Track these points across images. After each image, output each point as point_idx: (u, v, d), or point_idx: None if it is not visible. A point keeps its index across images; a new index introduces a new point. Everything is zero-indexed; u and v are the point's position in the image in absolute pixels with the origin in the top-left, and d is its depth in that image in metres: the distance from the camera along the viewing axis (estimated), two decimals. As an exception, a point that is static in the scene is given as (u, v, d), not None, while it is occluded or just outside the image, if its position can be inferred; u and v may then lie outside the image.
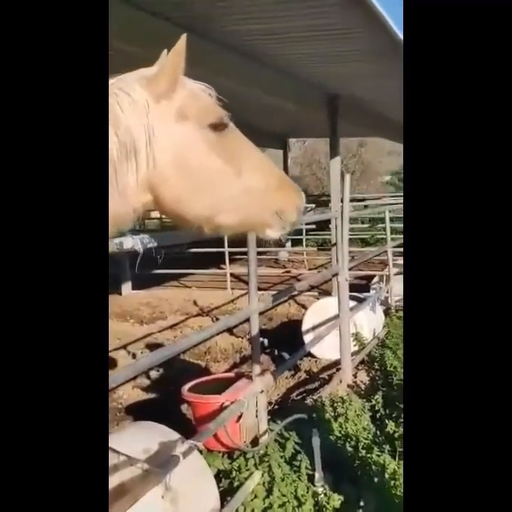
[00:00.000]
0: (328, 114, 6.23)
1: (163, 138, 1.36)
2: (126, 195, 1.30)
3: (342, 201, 5.41)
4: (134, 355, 6.42)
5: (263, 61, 4.70)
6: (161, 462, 2.51)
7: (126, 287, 10.27)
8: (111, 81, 1.35)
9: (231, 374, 4.28)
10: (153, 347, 6.35)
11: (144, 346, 6.82)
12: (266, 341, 6.40)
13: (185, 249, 10.95)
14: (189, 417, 4.03)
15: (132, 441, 2.69)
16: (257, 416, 3.51)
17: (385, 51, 4.36)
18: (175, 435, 2.84)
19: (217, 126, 1.44)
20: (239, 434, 3.44)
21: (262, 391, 3.53)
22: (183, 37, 1.35)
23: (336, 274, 5.39)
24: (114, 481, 2.37)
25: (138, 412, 4.79)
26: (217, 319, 7.72)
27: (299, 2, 3.35)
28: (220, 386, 3.83)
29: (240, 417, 3.38)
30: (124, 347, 6.71)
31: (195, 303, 8.92)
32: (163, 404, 4.90)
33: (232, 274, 10.18)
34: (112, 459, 2.48)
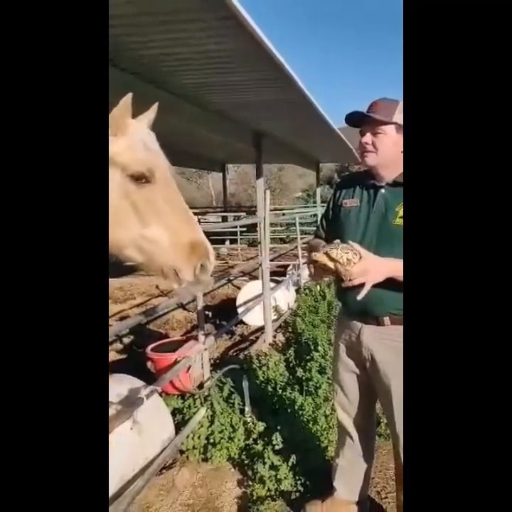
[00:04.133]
0: (255, 147, 6.25)
1: None
2: None
3: (264, 210, 5.45)
4: (109, 326, 6.27)
5: (206, 106, 4.67)
6: (130, 403, 2.48)
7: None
8: None
9: (183, 337, 4.26)
10: (124, 319, 6.23)
11: (118, 319, 6.66)
12: (210, 314, 6.38)
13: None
14: (152, 371, 3.98)
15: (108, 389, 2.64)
16: (202, 367, 3.51)
17: (293, 100, 4.41)
18: (140, 383, 2.81)
19: (138, 179, 1.27)
20: (188, 381, 3.44)
21: (206, 349, 3.53)
22: (128, 96, 1.22)
23: (261, 264, 5.45)
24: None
25: (114, 368, 4.67)
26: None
27: (236, 61, 3.34)
28: (175, 346, 3.82)
29: (189, 368, 3.37)
30: (103, 320, 6.55)
31: (157, 287, 8.77)
32: (132, 361, 4.81)
33: (185, 265, 10.07)
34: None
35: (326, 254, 1.61)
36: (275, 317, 5.77)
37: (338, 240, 1.69)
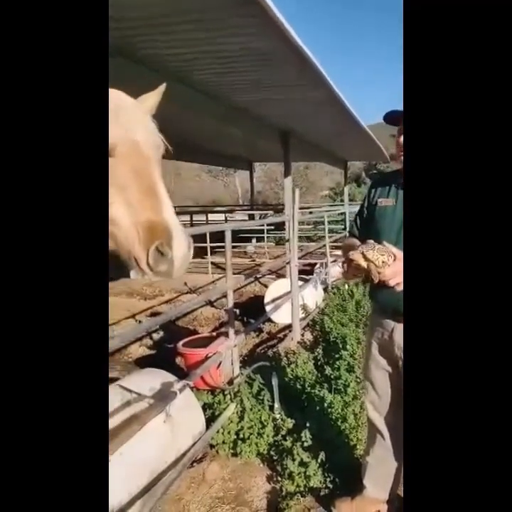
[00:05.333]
0: (282, 145, 6.26)
1: None
2: None
3: (293, 209, 5.45)
4: (139, 322, 6.37)
5: (235, 105, 4.71)
6: (163, 397, 2.53)
7: (134, 273, 10.11)
8: None
9: (213, 334, 4.31)
10: (153, 316, 6.33)
11: (148, 315, 6.77)
12: (238, 311, 6.43)
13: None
14: (182, 366, 4.04)
15: (141, 383, 2.70)
16: (232, 363, 3.55)
17: (321, 99, 4.41)
18: (173, 377, 2.87)
19: None
20: (219, 377, 3.48)
21: (235, 346, 3.57)
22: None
23: (289, 262, 5.45)
24: (129, 411, 2.39)
25: (144, 363, 4.77)
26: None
27: (265, 60, 3.36)
28: (205, 342, 3.86)
29: (219, 364, 3.42)
30: (132, 316, 6.65)
31: (185, 284, 8.86)
32: (163, 356, 4.90)
33: (212, 263, 10.14)
34: (126, 396, 2.50)
35: (363, 254, 1.63)
36: (303, 315, 5.77)
37: (371, 241, 1.70)
